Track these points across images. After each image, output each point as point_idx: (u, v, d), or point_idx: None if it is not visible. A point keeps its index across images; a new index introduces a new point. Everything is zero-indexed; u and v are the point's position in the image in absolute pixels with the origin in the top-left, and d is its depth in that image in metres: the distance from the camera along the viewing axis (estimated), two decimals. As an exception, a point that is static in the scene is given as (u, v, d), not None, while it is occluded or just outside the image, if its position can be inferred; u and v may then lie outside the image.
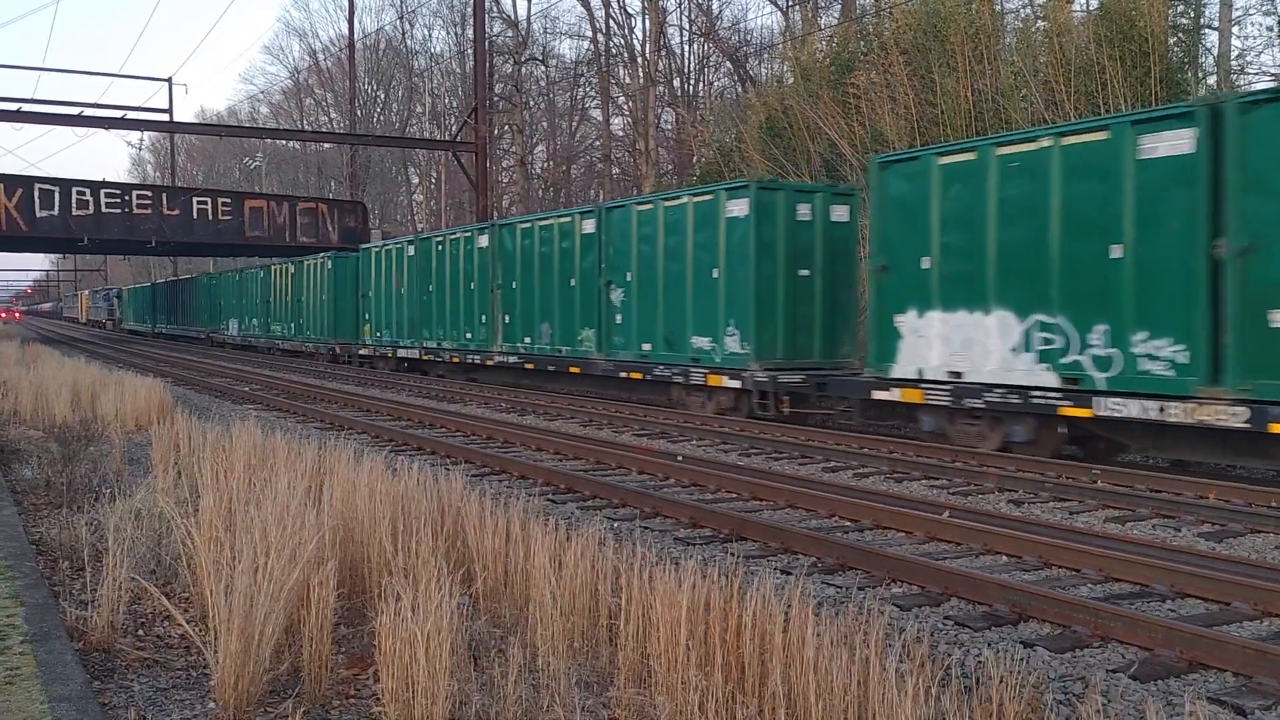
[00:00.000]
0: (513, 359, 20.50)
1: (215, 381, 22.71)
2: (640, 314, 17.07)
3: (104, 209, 35.66)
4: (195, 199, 38.14)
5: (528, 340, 20.15)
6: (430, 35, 75.25)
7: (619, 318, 17.62)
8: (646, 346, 16.94)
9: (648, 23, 37.37)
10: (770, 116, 24.45)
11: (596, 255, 18.12)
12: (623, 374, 17.38)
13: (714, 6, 41.42)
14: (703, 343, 15.61)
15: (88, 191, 35.42)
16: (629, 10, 44.86)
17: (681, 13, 40.81)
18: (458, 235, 23.12)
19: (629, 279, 17.32)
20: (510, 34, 44.56)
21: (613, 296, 17.75)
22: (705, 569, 4.33)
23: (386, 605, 3.97)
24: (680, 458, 10.99)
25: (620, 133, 43.96)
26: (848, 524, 7.96)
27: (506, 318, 20.80)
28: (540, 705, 3.92)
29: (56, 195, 34.69)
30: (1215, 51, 19.30)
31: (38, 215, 34.30)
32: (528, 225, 20.59)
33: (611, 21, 42.02)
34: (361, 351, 27.92)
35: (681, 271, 16.03)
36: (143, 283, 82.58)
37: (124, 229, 36.29)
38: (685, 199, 16.17)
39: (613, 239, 17.76)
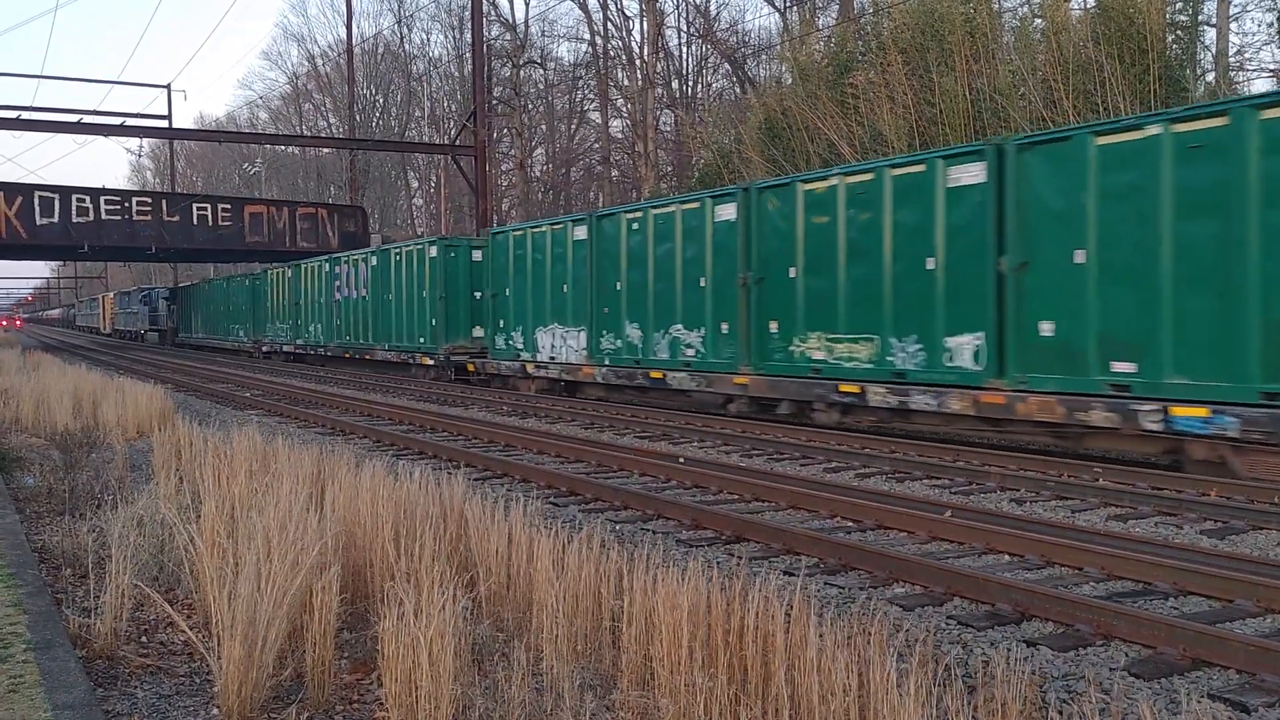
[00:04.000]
0: None
1: (218, 388, 22.71)
2: None
3: (104, 216, 35.74)
4: (195, 205, 38.20)
5: None
6: (428, 39, 75.44)
7: None
8: None
9: (645, 25, 37.40)
10: (769, 117, 24.47)
11: None
12: None
13: (712, 8, 41.50)
14: None
15: (88, 199, 35.49)
16: (627, 13, 44.95)
17: (679, 14, 40.89)
18: None
19: None
20: (508, 37, 44.61)
21: None
22: (708, 571, 4.33)
23: (389, 610, 3.97)
24: (682, 460, 10.99)
25: (619, 135, 44.01)
26: (850, 524, 7.96)
27: None
28: (544, 709, 3.92)
29: (57, 203, 34.77)
30: (1214, 48, 19.31)
31: (38, 223, 34.38)
32: None
33: (609, 24, 42.10)
34: None
35: None
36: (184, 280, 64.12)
37: (124, 236, 36.39)
38: None
39: None
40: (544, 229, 19.46)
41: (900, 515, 7.83)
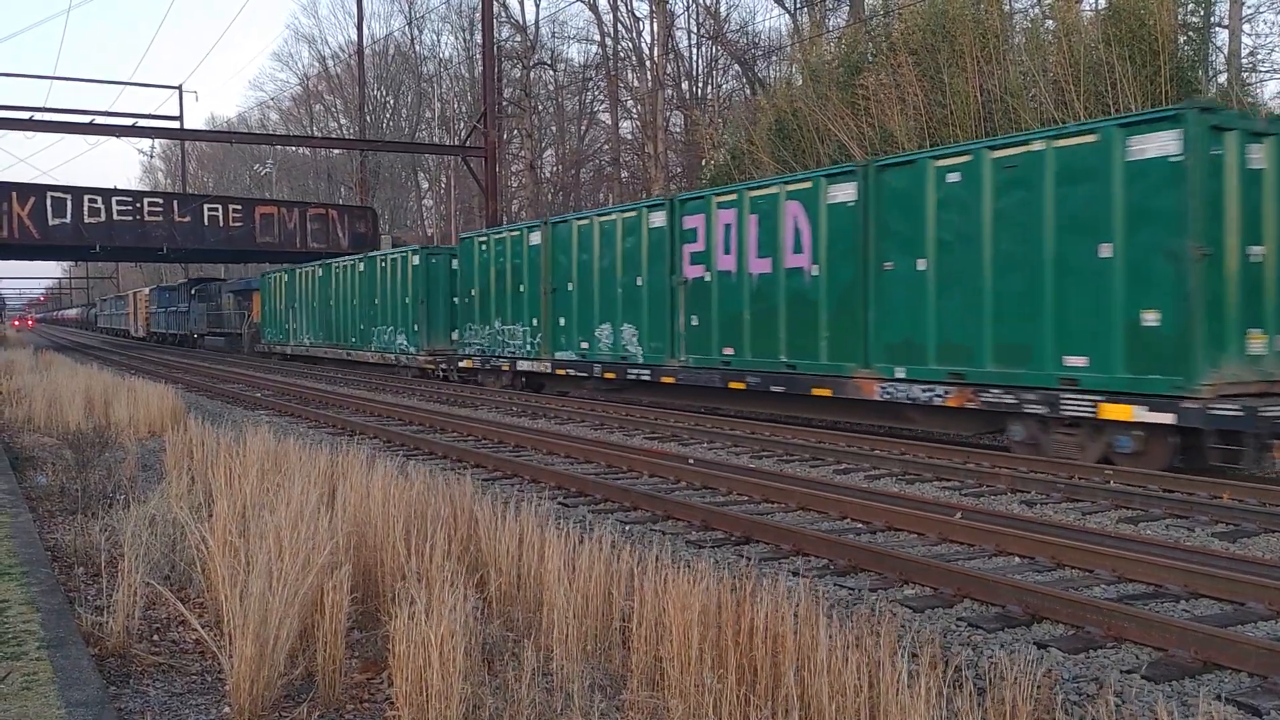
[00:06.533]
0: None
1: (231, 388, 22.78)
2: None
3: (116, 216, 35.90)
4: (206, 206, 38.33)
5: None
6: (439, 41, 75.54)
7: None
8: None
9: (655, 26, 37.40)
10: (780, 118, 24.45)
11: None
12: None
13: (721, 9, 41.47)
14: None
15: (99, 199, 35.66)
16: (637, 14, 44.89)
17: (689, 16, 40.90)
18: None
19: None
20: (518, 39, 44.67)
21: None
22: (718, 571, 4.34)
23: (400, 609, 3.98)
24: (692, 460, 10.99)
25: (629, 136, 44.02)
26: (860, 526, 7.95)
27: None
28: (554, 708, 3.93)
29: (69, 203, 34.94)
30: (1226, 50, 19.23)
31: (50, 223, 34.55)
32: None
33: (619, 25, 42.12)
34: None
35: None
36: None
37: (136, 236, 36.55)
38: None
39: None
40: None
41: (910, 517, 7.82)
